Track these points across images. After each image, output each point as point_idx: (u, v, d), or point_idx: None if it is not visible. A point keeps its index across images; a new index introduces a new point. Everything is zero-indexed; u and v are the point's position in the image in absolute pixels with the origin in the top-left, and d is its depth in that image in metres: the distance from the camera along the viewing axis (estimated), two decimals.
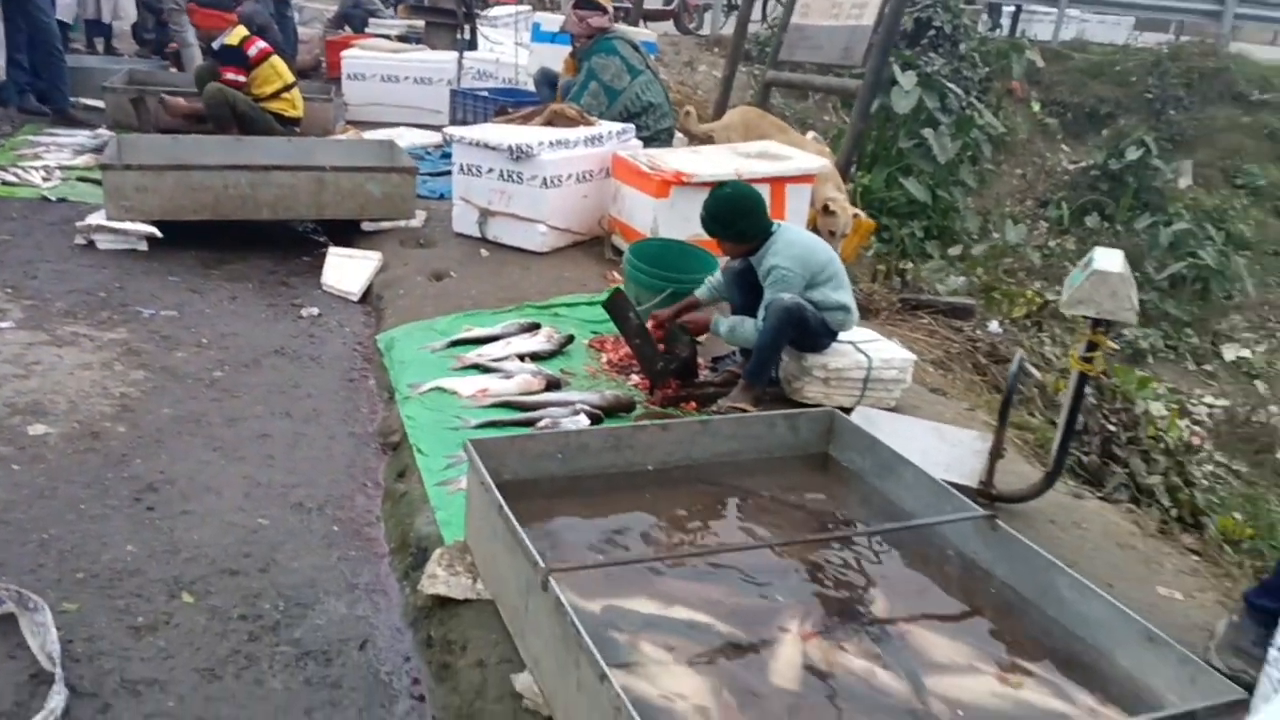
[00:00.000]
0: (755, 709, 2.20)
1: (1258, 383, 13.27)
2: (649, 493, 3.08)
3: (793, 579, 2.72)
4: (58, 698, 2.37)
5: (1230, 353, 13.50)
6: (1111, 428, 5.26)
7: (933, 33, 14.42)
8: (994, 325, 6.11)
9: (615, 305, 3.93)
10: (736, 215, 3.81)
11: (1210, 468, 12.03)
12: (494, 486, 2.59)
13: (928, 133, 13.64)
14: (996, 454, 3.30)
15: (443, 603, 2.84)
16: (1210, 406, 12.87)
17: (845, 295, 3.93)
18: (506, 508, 2.46)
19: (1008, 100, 15.60)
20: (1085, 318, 3.14)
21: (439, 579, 2.85)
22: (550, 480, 3.04)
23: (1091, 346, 3.20)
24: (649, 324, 4.14)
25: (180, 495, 3.35)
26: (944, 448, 3.53)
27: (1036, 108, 16.08)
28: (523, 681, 2.43)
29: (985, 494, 3.34)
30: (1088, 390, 5.77)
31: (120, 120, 7.70)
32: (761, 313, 3.77)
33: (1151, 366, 12.43)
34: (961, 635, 2.51)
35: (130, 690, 2.50)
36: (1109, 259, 3.11)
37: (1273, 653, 2.06)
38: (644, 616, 2.47)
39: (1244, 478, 12.06)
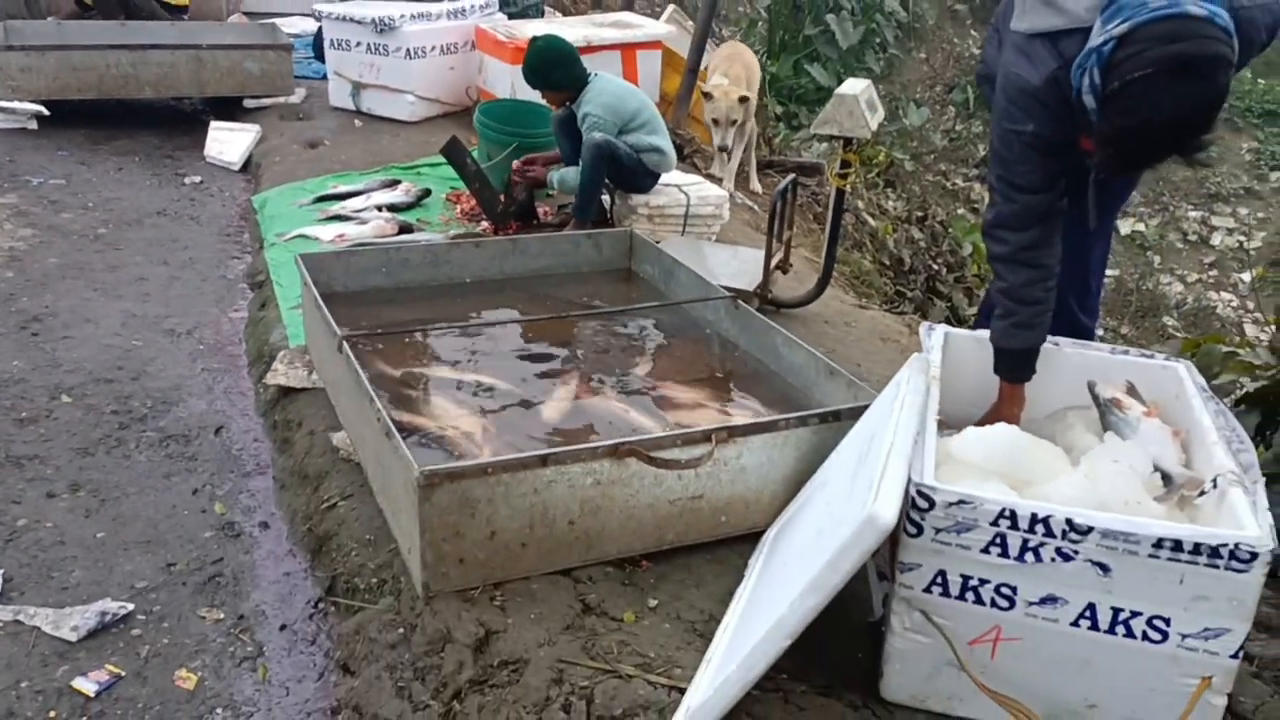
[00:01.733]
0: (511, 431, 2.76)
1: (1151, 255, 14.07)
2: (465, 299, 3.59)
3: (572, 352, 3.28)
4: None
5: (1125, 227, 14.22)
6: (935, 267, 5.85)
7: None
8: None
9: (452, 151, 4.37)
10: (548, 65, 4.26)
11: (1100, 332, 12.81)
12: (310, 281, 3.08)
13: (830, 19, 13.99)
14: (768, 264, 3.84)
15: (286, 393, 3.36)
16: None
17: (659, 139, 4.42)
18: (315, 290, 2.96)
19: None
20: (834, 137, 3.67)
21: (279, 372, 3.37)
22: (378, 291, 3.54)
23: (845, 165, 3.73)
24: (517, 176, 4.58)
25: (62, 325, 3.81)
26: (735, 264, 4.08)
27: None
28: (338, 437, 2.97)
29: (763, 298, 3.90)
30: (917, 235, 6.39)
31: (12, 12, 7.84)
32: (585, 154, 4.25)
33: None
34: (700, 385, 3.09)
35: (14, 463, 3.01)
36: (852, 85, 3.62)
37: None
38: (437, 378, 3.01)
39: (1126, 338, 12.91)
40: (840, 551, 1.71)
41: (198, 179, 5.46)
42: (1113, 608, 1.95)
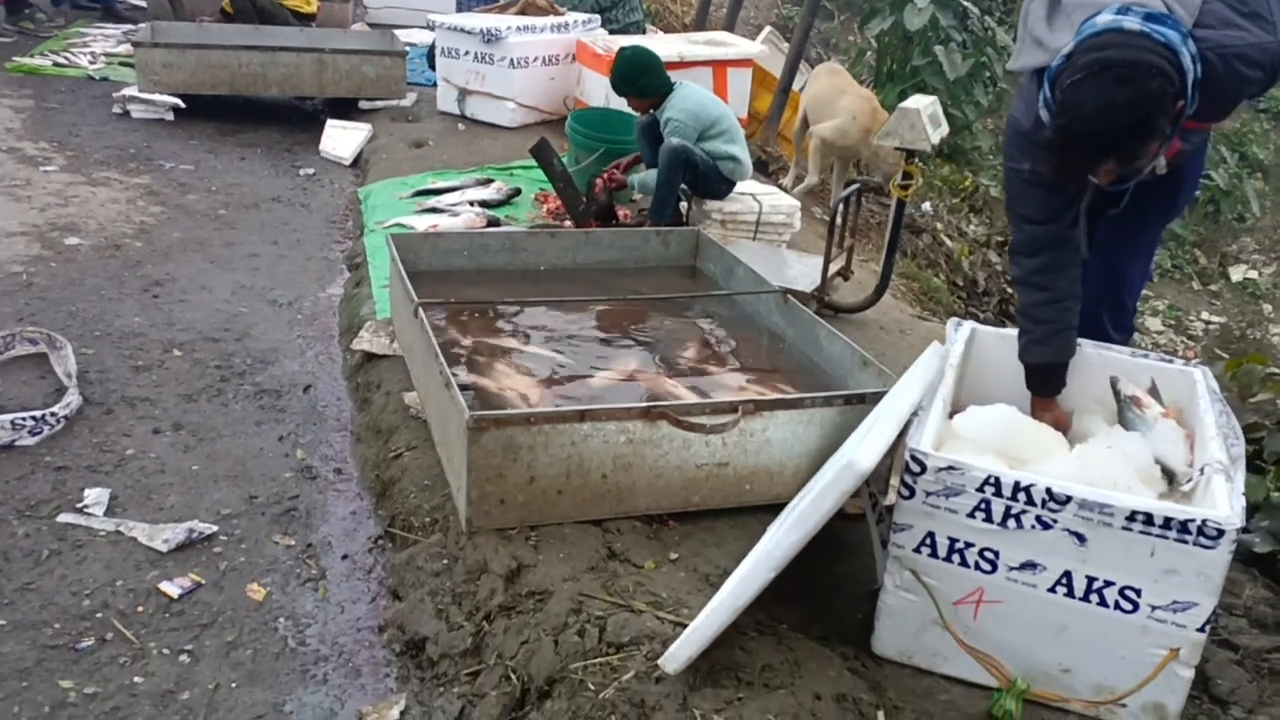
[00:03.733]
0: (563, 399, 3.01)
1: (1263, 304, 13.63)
2: (537, 284, 3.87)
3: (629, 333, 3.52)
4: (74, 397, 3.26)
5: (1237, 274, 13.81)
6: (1010, 291, 5.92)
7: None
8: (926, 205, 6.74)
9: (540, 151, 4.66)
10: (635, 73, 4.53)
11: None
12: (398, 258, 3.40)
13: (939, 50, 14.00)
14: (826, 268, 4.02)
15: (369, 358, 3.68)
16: (1207, 323, 13.27)
17: (736, 148, 4.64)
18: (400, 265, 3.27)
19: None
20: (899, 149, 3.84)
21: (364, 340, 3.69)
22: (460, 272, 3.84)
23: (907, 177, 3.90)
24: (602, 179, 4.87)
25: (180, 290, 4.23)
26: (799, 268, 4.27)
27: None
28: (410, 397, 3.27)
29: (821, 300, 4.08)
30: (994, 259, 6.46)
31: (160, 16, 8.52)
32: (661, 158, 4.51)
33: (1155, 285, 12.83)
34: (746, 370, 3.30)
35: (128, 403, 3.38)
36: (917, 100, 3.79)
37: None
38: (501, 347, 3.29)
39: (1227, 388, 12.47)
40: (822, 492, 1.91)
41: (311, 171, 5.90)
42: (1088, 576, 2.09)
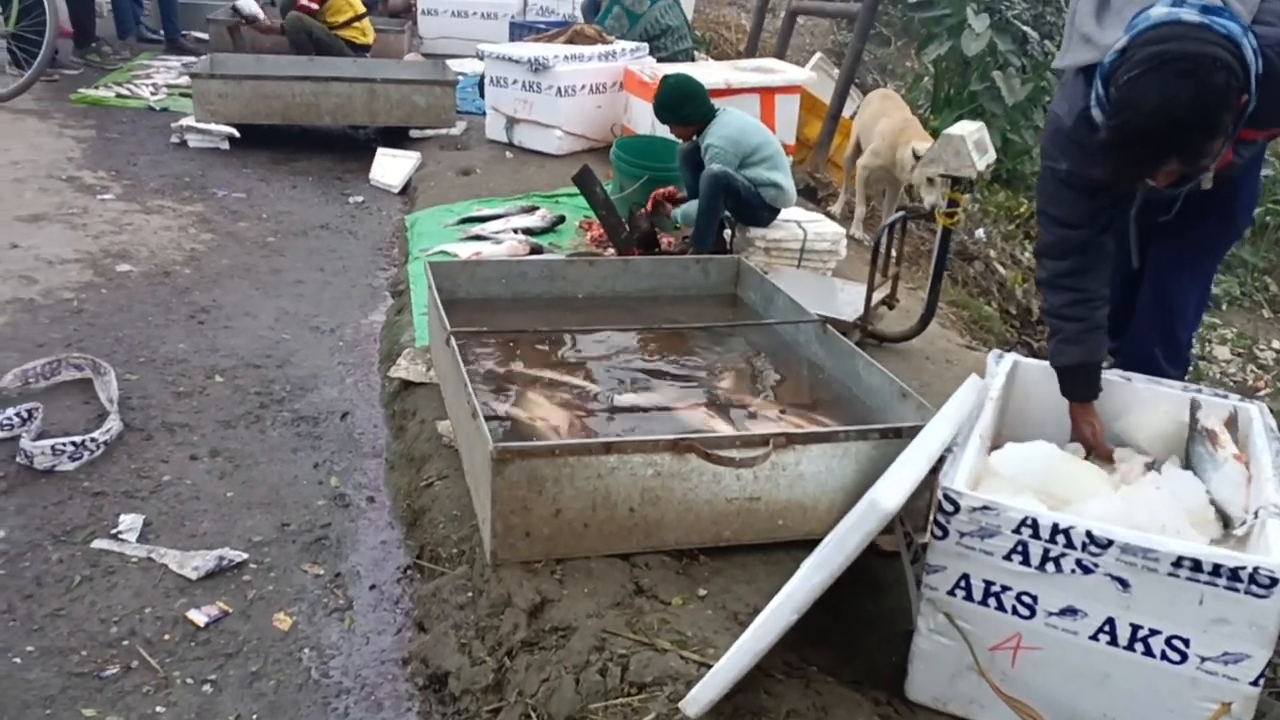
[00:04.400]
0: (597, 430, 2.97)
1: None
2: (576, 313, 3.84)
3: (666, 363, 3.47)
4: (114, 423, 3.29)
5: None
6: None
7: None
8: (979, 232, 6.62)
9: (583, 179, 4.66)
10: (678, 100, 4.51)
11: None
12: (434, 285, 3.40)
13: (997, 75, 13.82)
14: (870, 296, 3.94)
15: (406, 386, 3.68)
16: (1279, 352, 12.86)
17: (779, 175, 4.58)
18: (436, 293, 3.27)
19: None
20: (943, 176, 3.76)
21: (401, 367, 3.69)
22: (499, 300, 3.83)
23: (953, 204, 3.81)
24: (648, 205, 4.85)
25: (225, 316, 4.28)
26: (842, 296, 4.20)
27: None
28: (443, 426, 3.25)
29: (864, 330, 4.00)
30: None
31: (221, 48, 8.73)
32: (702, 185, 4.47)
33: (1223, 313, 12.49)
34: (783, 401, 3.23)
35: (167, 429, 3.41)
36: (963, 126, 3.71)
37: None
38: (536, 377, 3.26)
39: None
40: (845, 532, 1.84)
41: (360, 199, 5.97)
42: (1132, 624, 1.99)
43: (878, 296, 4.08)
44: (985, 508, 2.03)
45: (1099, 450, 2.55)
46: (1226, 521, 2.23)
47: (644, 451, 2.50)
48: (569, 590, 2.45)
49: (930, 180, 5.35)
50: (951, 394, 3.79)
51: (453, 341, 3.01)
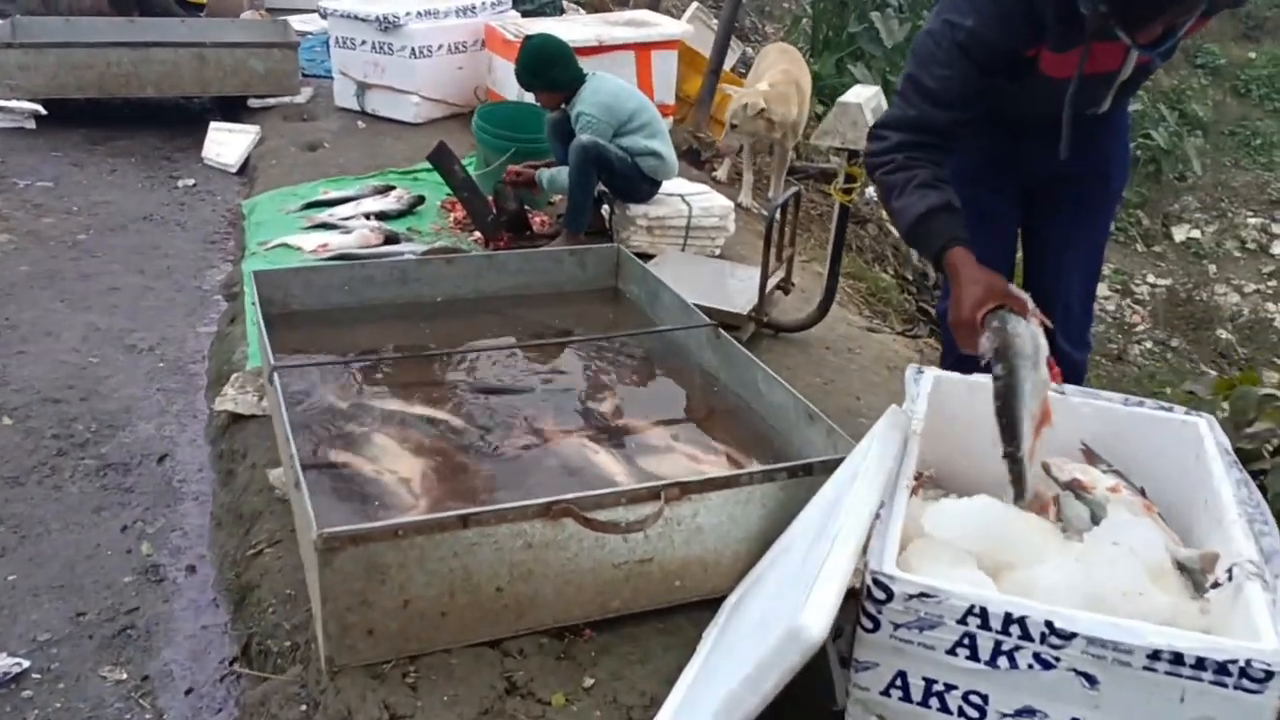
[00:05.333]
0: (457, 477, 2.51)
1: (1207, 263, 13.46)
2: (435, 320, 3.34)
3: (538, 383, 3.02)
4: None
5: (1180, 234, 13.62)
6: None
7: None
8: (871, 190, 6.29)
9: (439, 157, 4.14)
10: (542, 64, 4.01)
11: (1148, 344, 12.25)
12: (258, 305, 2.86)
13: (875, 16, 13.54)
14: (764, 285, 3.54)
15: (236, 419, 3.14)
16: (1153, 286, 13.06)
17: (658, 143, 4.14)
18: (260, 310, 2.74)
19: None
20: (838, 149, 3.37)
21: (228, 397, 3.15)
22: (343, 310, 3.30)
23: (850, 180, 3.42)
24: (505, 178, 4.35)
25: (20, 339, 3.64)
26: (734, 283, 3.79)
27: None
28: (275, 474, 2.74)
29: (759, 321, 3.61)
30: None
31: (30, 10, 7.76)
32: (571, 158, 4.00)
33: None
34: (675, 424, 2.82)
35: None
36: (858, 93, 3.32)
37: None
38: (385, 412, 2.77)
39: (1179, 352, 12.34)
40: (760, 668, 1.43)
41: (191, 182, 5.29)
42: None
43: (772, 282, 3.69)
44: (924, 595, 1.66)
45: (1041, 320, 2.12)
46: (1189, 574, 1.91)
47: (510, 521, 2.06)
48: (424, 700, 2.01)
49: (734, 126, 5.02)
50: (860, 389, 3.48)
51: (276, 379, 2.50)
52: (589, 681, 2.10)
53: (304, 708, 2.07)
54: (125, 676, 2.31)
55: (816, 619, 1.38)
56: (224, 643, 2.43)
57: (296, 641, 2.25)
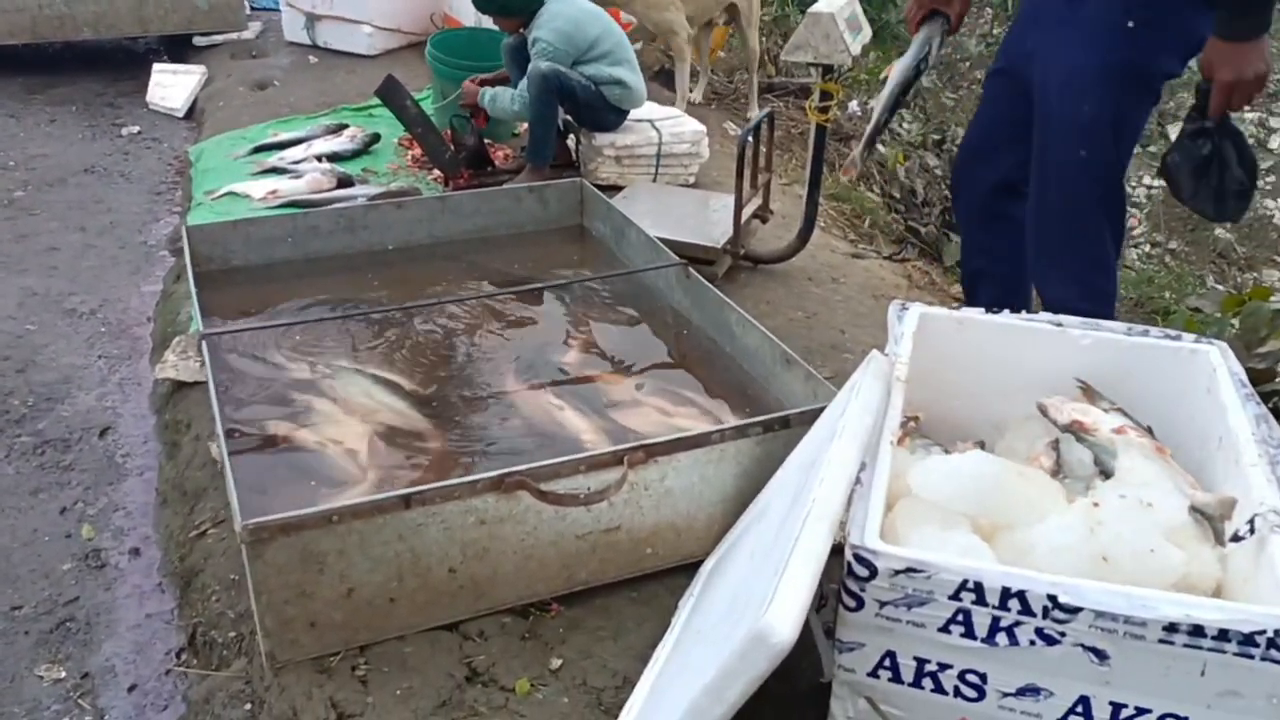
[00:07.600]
0: (409, 444, 2.32)
1: None
2: (386, 270, 3.13)
3: (499, 336, 2.82)
4: None
5: (1175, 131, 13.30)
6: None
7: None
8: (853, 105, 6.02)
9: (388, 92, 3.88)
10: None
11: (1145, 248, 12.06)
12: (191, 257, 2.65)
13: None
14: (739, 215, 3.31)
15: (180, 387, 2.94)
16: (1149, 188, 12.78)
17: (624, 71, 3.88)
18: (191, 270, 2.54)
19: None
20: (811, 65, 3.12)
21: (169, 364, 2.94)
22: (287, 264, 3.09)
23: (826, 97, 3.18)
24: (462, 105, 4.09)
25: None
26: (706, 214, 3.56)
27: None
28: (215, 448, 2.55)
29: (736, 254, 3.40)
30: (932, 163, 5.79)
31: None
32: (524, 84, 3.74)
33: None
34: (645, 373, 2.63)
35: None
36: (829, 2, 3.06)
37: None
38: (330, 375, 2.57)
39: (1177, 254, 12.16)
40: (723, 675, 1.26)
41: (136, 129, 5.01)
42: (1112, 703, 1.49)
43: (748, 211, 3.46)
44: (911, 569, 1.48)
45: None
46: (1209, 520, 1.73)
47: (458, 498, 1.88)
48: (375, 695, 1.85)
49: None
50: (844, 323, 3.28)
51: (204, 346, 2.30)
52: (556, 663, 1.95)
53: (248, 706, 1.91)
54: (64, 675, 2.15)
55: (783, 619, 1.21)
56: (169, 633, 2.26)
57: (241, 632, 2.09)
